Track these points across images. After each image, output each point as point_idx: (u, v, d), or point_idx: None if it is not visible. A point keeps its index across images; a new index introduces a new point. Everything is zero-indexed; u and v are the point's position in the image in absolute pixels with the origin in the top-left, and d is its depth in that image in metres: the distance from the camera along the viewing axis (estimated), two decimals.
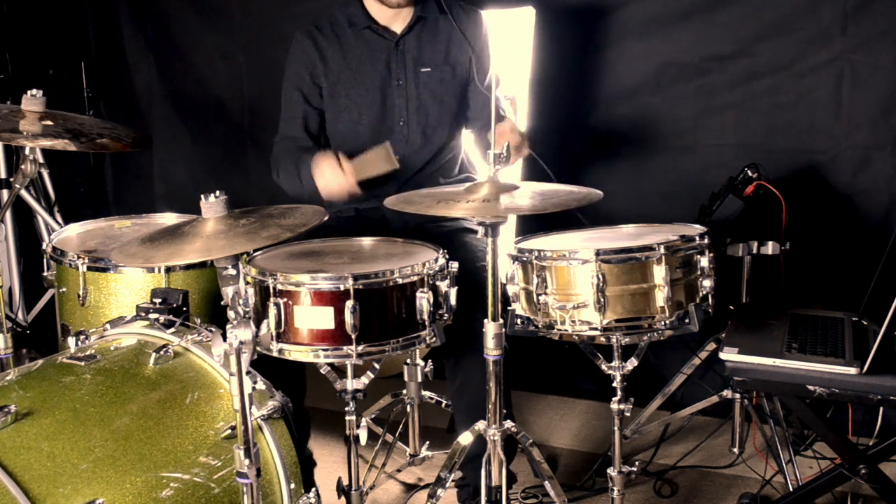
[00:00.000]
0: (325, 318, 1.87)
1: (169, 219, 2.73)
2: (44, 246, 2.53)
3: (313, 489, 1.94)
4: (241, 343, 1.59)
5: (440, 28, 2.57)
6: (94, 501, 1.53)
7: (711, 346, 2.71)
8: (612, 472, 2.18)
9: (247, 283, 1.91)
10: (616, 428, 2.16)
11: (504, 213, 1.92)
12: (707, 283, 2.06)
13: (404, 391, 2.61)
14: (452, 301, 2.02)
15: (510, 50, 3.01)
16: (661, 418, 2.86)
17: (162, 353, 1.88)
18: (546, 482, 2.17)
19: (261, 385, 1.88)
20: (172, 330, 1.97)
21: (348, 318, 1.85)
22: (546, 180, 2.33)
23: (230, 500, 1.74)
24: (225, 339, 1.60)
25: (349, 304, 1.85)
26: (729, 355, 2.13)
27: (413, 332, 1.95)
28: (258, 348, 1.78)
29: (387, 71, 2.53)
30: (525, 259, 2.08)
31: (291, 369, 2.14)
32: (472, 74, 2.57)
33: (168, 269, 2.36)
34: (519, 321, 2.12)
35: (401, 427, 2.67)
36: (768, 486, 2.56)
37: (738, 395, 2.71)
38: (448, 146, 2.63)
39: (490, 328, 1.94)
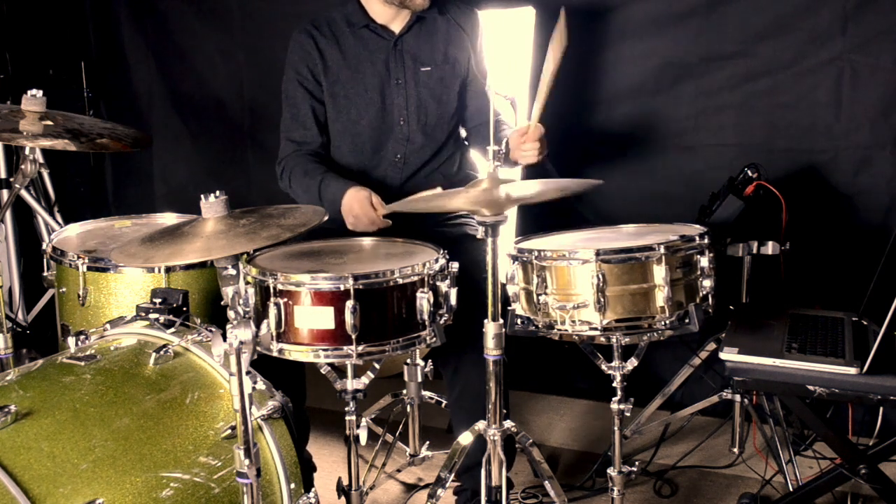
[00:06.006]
0: (325, 318, 1.87)
1: (169, 219, 2.73)
2: (44, 246, 2.53)
3: (313, 490, 1.94)
4: (241, 343, 1.59)
5: (438, 27, 2.57)
6: (94, 501, 1.53)
7: (711, 346, 2.71)
8: (612, 472, 2.18)
9: (247, 283, 1.91)
10: (616, 428, 2.16)
11: (505, 201, 1.91)
12: (707, 283, 2.06)
13: (404, 391, 2.61)
14: (452, 301, 2.02)
15: (510, 50, 3.00)
16: (661, 418, 2.86)
17: (162, 353, 1.88)
18: (546, 482, 2.17)
19: (261, 385, 1.88)
20: (172, 330, 1.97)
21: (348, 318, 1.85)
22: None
23: (230, 500, 1.74)
24: (225, 339, 1.60)
25: (349, 304, 1.85)
26: (729, 355, 2.13)
27: (413, 333, 1.95)
28: (258, 348, 1.78)
29: (385, 70, 2.53)
30: (525, 259, 2.08)
31: (292, 371, 2.14)
32: (470, 73, 2.58)
33: (168, 269, 2.36)
34: (519, 321, 2.12)
35: (401, 427, 2.67)
36: (768, 486, 2.56)
37: (738, 395, 2.72)
38: (448, 144, 2.63)
39: (490, 328, 1.94)
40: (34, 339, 3.49)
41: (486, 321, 1.94)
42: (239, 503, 1.66)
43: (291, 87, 2.56)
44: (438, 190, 2.27)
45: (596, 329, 2.00)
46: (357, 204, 2.32)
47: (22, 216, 3.63)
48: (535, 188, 1.93)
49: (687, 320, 2.02)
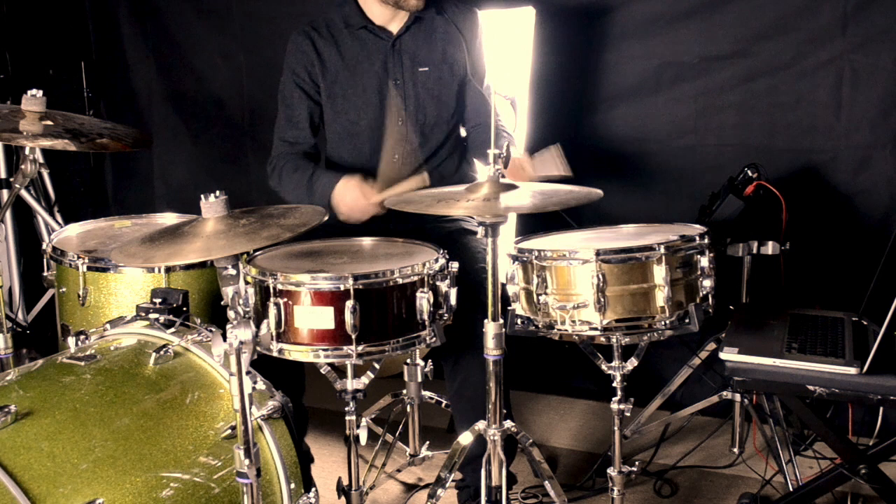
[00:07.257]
0: (325, 318, 1.87)
1: (169, 219, 2.73)
2: (44, 246, 2.53)
3: (313, 489, 1.94)
4: (241, 343, 1.59)
5: (436, 27, 2.57)
6: (94, 501, 1.53)
7: (711, 346, 2.72)
8: (612, 472, 2.18)
9: (247, 283, 1.91)
10: (616, 428, 2.16)
11: (504, 212, 1.92)
12: (707, 283, 2.06)
13: (404, 391, 2.61)
14: (452, 301, 2.02)
15: (510, 50, 3.01)
16: (661, 418, 2.86)
17: (162, 353, 1.88)
18: (546, 482, 2.17)
19: (261, 385, 1.88)
20: (172, 330, 1.97)
21: (348, 318, 1.85)
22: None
23: (230, 500, 1.74)
24: (225, 339, 1.60)
25: (349, 304, 1.85)
26: (729, 355, 2.13)
27: (413, 332, 1.95)
28: (258, 348, 1.78)
29: (384, 71, 2.53)
30: (525, 259, 2.08)
31: (291, 367, 2.14)
32: (468, 72, 2.58)
33: (168, 269, 2.36)
34: (519, 321, 2.12)
35: (401, 427, 2.67)
36: (768, 486, 2.56)
37: (738, 395, 2.71)
38: (447, 145, 2.63)
39: (490, 328, 1.94)
40: (34, 339, 3.49)
41: (486, 321, 1.94)
42: (239, 503, 1.66)
43: (288, 89, 2.57)
44: (425, 176, 2.27)
45: (596, 329, 2.00)
46: (348, 192, 2.33)
47: (22, 216, 3.63)
48: (533, 201, 1.93)
49: (687, 320, 2.02)
